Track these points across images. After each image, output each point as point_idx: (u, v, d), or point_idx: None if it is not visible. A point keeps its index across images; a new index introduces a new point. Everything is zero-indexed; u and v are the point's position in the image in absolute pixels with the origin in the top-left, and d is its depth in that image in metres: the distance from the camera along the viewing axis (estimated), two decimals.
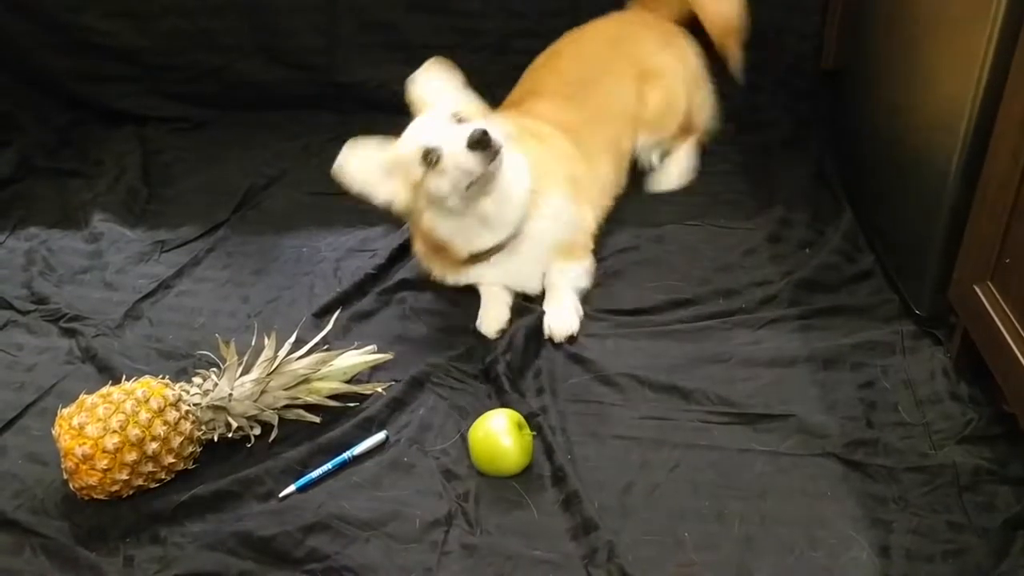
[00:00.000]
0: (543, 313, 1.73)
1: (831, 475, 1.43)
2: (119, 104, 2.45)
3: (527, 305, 1.78)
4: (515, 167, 1.69)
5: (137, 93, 2.45)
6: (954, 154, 1.52)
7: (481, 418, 1.49)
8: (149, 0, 2.32)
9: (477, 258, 1.75)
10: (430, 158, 1.59)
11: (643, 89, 2.03)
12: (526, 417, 1.50)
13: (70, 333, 1.78)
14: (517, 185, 1.70)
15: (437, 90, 1.70)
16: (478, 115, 1.67)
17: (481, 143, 1.55)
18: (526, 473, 1.46)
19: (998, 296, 1.45)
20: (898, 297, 1.75)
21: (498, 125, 1.62)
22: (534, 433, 1.49)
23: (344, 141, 2.23)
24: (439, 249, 1.76)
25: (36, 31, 2.35)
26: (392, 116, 2.24)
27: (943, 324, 1.65)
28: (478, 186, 1.62)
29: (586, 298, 1.79)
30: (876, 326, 1.70)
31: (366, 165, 1.65)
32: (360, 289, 1.86)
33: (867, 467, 1.43)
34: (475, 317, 1.75)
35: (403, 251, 1.93)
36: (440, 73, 1.72)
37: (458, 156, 1.57)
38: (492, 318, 1.74)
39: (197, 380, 1.54)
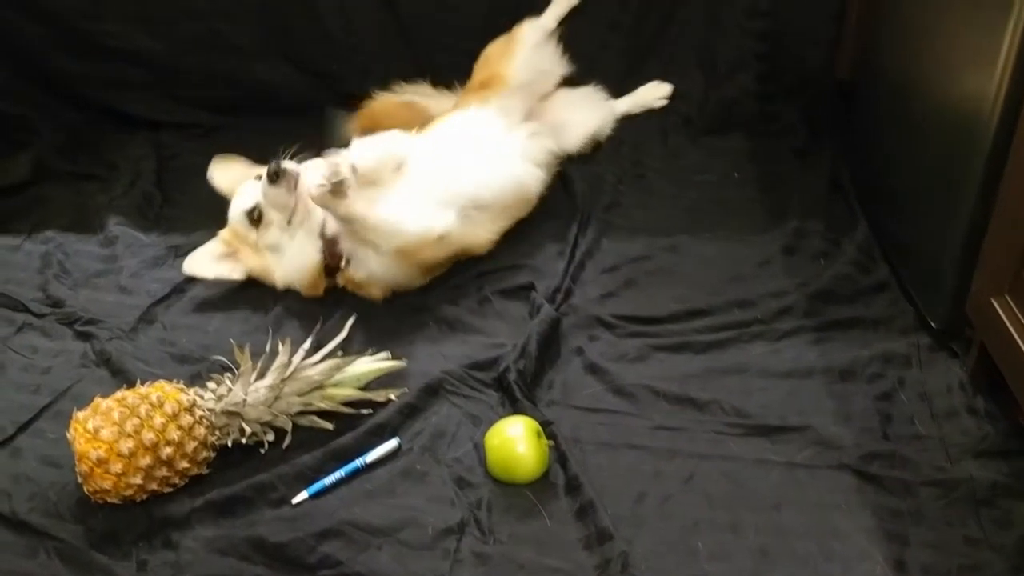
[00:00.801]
0: (557, 318, 1.73)
1: (847, 487, 1.42)
2: (134, 109, 2.45)
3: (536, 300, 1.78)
4: None
5: (152, 98, 2.45)
6: (972, 165, 1.52)
7: (498, 424, 1.49)
8: (165, 5, 2.32)
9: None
10: (253, 216, 1.82)
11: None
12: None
13: (85, 336, 1.79)
14: None
15: (234, 175, 1.96)
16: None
17: (277, 174, 1.77)
18: (540, 482, 1.46)
19: (1016, 309, 1.44)
20: (914, 309, 1.74)
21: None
22: (550, 442, 1.48)
23: None
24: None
25: (53, 36, 2.35)
26: None
27: (959, 337, 1.64)
28: (298, 215, 1.81)
29: (601, 306, 1.79)
30: (892, 338, 1.69)
31: (204, 260, 1.87)
32: None
33: (883, 480, 1.43)
34: (496, 326, 1.77)
35: None
36: (227, 163, 2.01)
37: (268, 195, 1.79)
38: None
39: (211, 385, 1.54)
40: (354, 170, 1.73)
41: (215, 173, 1.99)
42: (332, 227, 1.81)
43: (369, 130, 2.28)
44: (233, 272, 1.86)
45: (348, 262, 1.82)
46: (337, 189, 1.69)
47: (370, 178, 1.78)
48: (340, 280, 1.84)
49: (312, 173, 1.76)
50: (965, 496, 1.39)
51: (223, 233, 1.88)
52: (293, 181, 1.79)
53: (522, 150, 2.00)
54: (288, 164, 1.79)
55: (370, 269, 1.81)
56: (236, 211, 1.85)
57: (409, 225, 1.77)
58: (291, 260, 1.84)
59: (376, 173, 1.79)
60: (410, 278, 1.84)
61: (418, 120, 2.26)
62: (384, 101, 2.31)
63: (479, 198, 1.88)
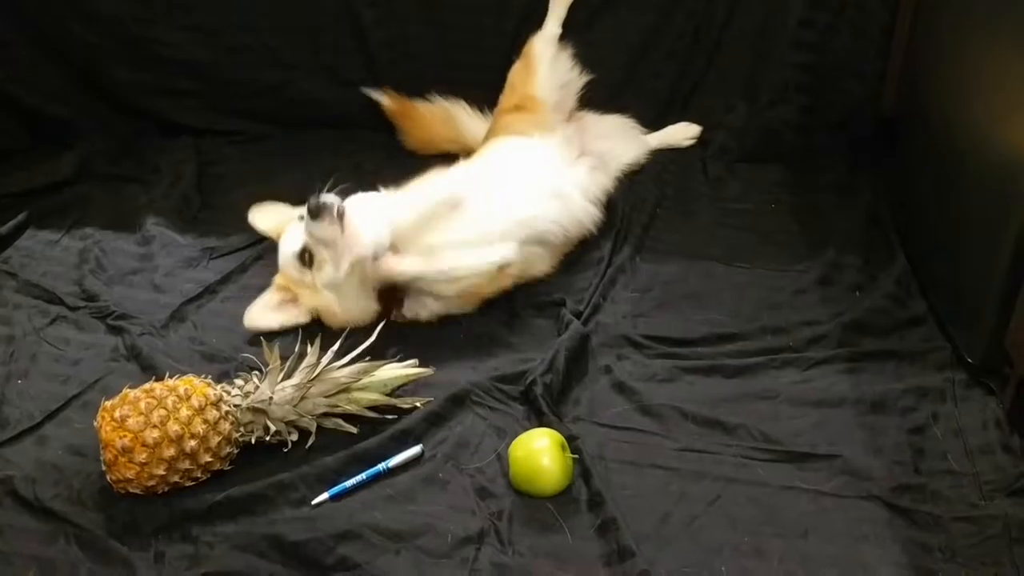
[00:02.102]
0: (586, 335, 1.73)
1: (876, 519, 1.39)
2: (180, 116, 2.49)
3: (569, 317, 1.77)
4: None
5: (198, 106, 2.49)
6: (1014, 201, 1.50)
7: (523, 435, 1.48)
8: (218, 16, 2.36)
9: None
10: (305, 258, 1.73)
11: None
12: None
13: (117, 331, 1.80)
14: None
15: (275, 216, 1.92)
16: None
17: (319, 208, 1.67)
18: (562, 496, 1.44)
19: None
20: (950, 345, 1.71)
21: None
22: (575, 456, 1.46)
23: (398, 162, 2.30)
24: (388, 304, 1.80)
25: (105, 42, 2.40)
26: None
27: (996, 374, 1.61)
28: (348, 250, 1.71)
29: (632, 325, 1.78)
30: (927, 373, 1.66)
31: (264, 311, 1.79)
32: None
33: (913, 513, 1.39)
34: (525, 340, 1.76)
35: None
36: (266, 207, 1.96)
37: (313, 232, 1.70)
38: None
39: (239, 382, 1.54)
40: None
41: (256, 218, 1.95)
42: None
43: (401, 119, 2.35)
44: (298, 318, 1.77)
45: (403, 302, 1.79)
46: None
47: (418, 228, 1.75)
48: (395, 318, 1.80)
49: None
50: (999, 534, 1.36)
51: (277, 279, 1.81)
52: (336, 213, 1.70)
53: (583, 187, 2.00)
54: (329, 197, 1.70)
55: (430, 308, 1.79)
56: (286, 256, 1.77)
57: (469, 267, 1.75)
58: (349, 299, 1.76)
59: (421, 224, 1.76)
60: (467, 308, 1.82)
61: (447, 132, 2.29)
62: (421, 106, 2.35)
63: (544, 233, 1.87)
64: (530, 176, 1.94)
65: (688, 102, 2.36)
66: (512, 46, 2.28)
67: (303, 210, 1.74)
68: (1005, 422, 1.54)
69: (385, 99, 2.37)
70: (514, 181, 1.91)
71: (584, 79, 2.22)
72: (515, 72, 2.20)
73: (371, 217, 1.76)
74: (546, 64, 2.16)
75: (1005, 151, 1.55)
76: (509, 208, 1.83)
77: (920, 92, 2.01)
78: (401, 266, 1.73)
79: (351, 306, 1.76)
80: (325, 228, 1.69)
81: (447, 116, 2.34)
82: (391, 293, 1.78)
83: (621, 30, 2.31)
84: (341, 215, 1.71)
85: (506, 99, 2.20)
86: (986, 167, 1.62)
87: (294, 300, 1.79)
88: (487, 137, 2.18)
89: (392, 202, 1.83)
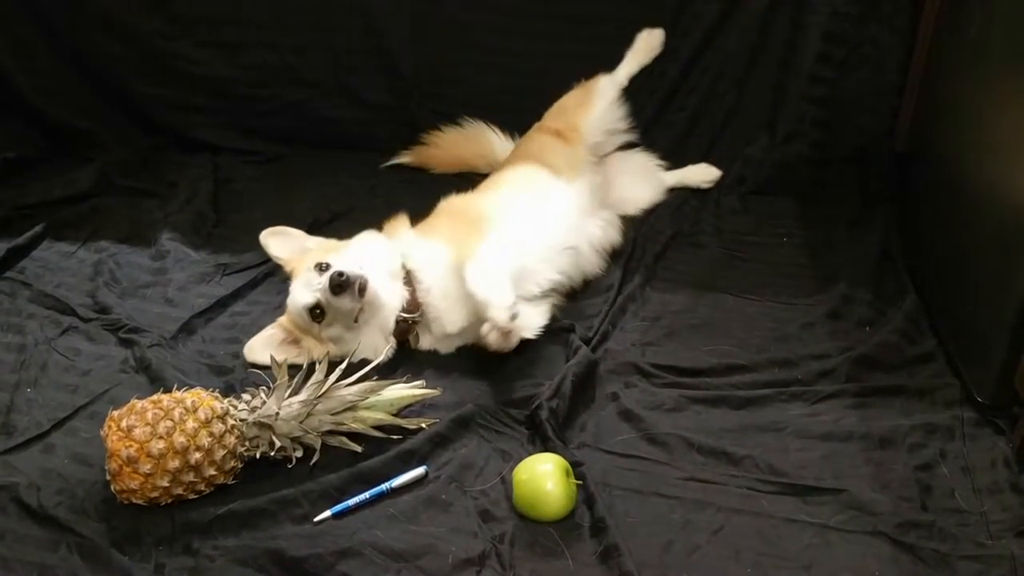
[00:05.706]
0: (594, 361, 1.72)
1: (881, 554, 1.38)
2: (199, 132, 2.53)
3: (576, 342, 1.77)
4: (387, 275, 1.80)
5: (217, 124, 2.53)
6: None
7: (528, 460, 1.48)
8: (242, 33, 2.40)
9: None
10: (315, 313, 1.72)
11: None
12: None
13: (127, 343, 1.82)
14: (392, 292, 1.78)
15: (291, 246, 1.90)
16: (336, 250, 1.83)
17: (341, 285, 1.67)
18: (565, 521, 1.43)
19: None
20: (960, 383, 1.70)
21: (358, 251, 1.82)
22: (579, 482, 1.46)
23: (413, 186, 2.32)
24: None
25: (130, 56, 2.44)
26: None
27: (1006, 413, 1.60)
28: (365, 312, 1.73)
29: (640, 354, 1.78)
30: (936, 410, 1.65)
31: (266, 347, 1.75)
32: None
33: (919, 550, 1.38)
34: (533, 364, 1.76)
35: None
36: (281, 233, 1.92)
37: (332, 303, 1.69)
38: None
39: (246, 396, 1.55)
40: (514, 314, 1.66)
41: (269, 243, 1.90)
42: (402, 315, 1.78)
43: (426, 161, 2.40)
44: (298, 358, 1.73)
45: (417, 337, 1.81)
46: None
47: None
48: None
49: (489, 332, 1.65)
50: (1005, 574, 1.34)
51: (283, 320, 1.79)
52: (357, 288, 1.68)
53: (595, 241, 2.01)
54: (351, 271, 1.68)
55: (450, 343, 1.81)
56: (296, 306, 1.74)
57: (538, 326, 1.78)
58: (360, 351, 1.73)
59: None
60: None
61: (477, 149, 2.31)
62: (448, 136, 2.38)
63: (554, 285, 1.90)
64: (549, 226, 1.93)
65: (712, 136, 2.37)
66: (542, 69, 2.31)
67: (316, 240, 1.81)
68: (1014, 461, 1.53)
69: (405, 159, 2.42)
70: (533, 232, 1.89)
71: (627, 136, 2.24)
72: (571, 97, 2.20)
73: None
74: (604, 104, 2.17)
75: (1015, 192, 1.55)
76: (547, 273, 1.87)
77: (934, 129, 2.01)
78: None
79: (360, 355, 1.73)
80: (345, 302, 1.69)
81: (479, 135, 2.36)
82: (405, 332, 1.79)
83: (659, 72, 2.33)
84: (363, 289, 1.69)
85: (551, 119, 2.20)
86: (999, 205, 1.62)
87: (296, 342, 1.78)
88: (516, 152, 2.18)
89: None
